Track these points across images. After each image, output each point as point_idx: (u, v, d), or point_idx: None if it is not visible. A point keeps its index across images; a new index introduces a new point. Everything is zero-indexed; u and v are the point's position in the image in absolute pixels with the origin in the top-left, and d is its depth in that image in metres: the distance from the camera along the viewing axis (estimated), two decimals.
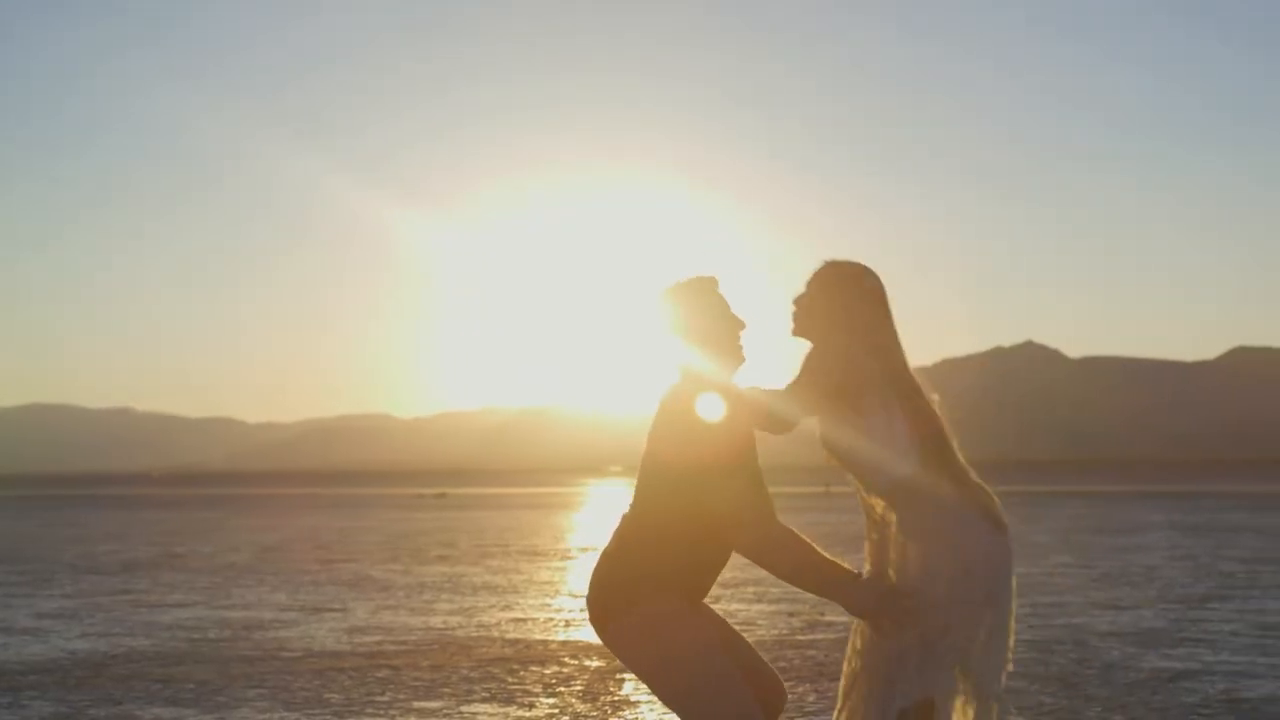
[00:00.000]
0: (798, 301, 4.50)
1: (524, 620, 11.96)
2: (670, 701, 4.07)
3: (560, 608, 13.04)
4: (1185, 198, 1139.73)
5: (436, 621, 11.91)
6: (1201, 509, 36.95)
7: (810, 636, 10.56)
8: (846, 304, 4.43)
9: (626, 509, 4.23)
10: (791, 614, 12.04)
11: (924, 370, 4.54)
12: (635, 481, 4.23)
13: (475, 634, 11.00)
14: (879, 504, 4.39)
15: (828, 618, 11.73)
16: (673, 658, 4.04)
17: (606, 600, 4.13)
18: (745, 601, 13.13)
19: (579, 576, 16.76)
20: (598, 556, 4.28)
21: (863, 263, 4.53)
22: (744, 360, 4.30)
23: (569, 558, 20.28)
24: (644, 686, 8.26)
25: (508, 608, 13.05)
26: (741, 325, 4.31)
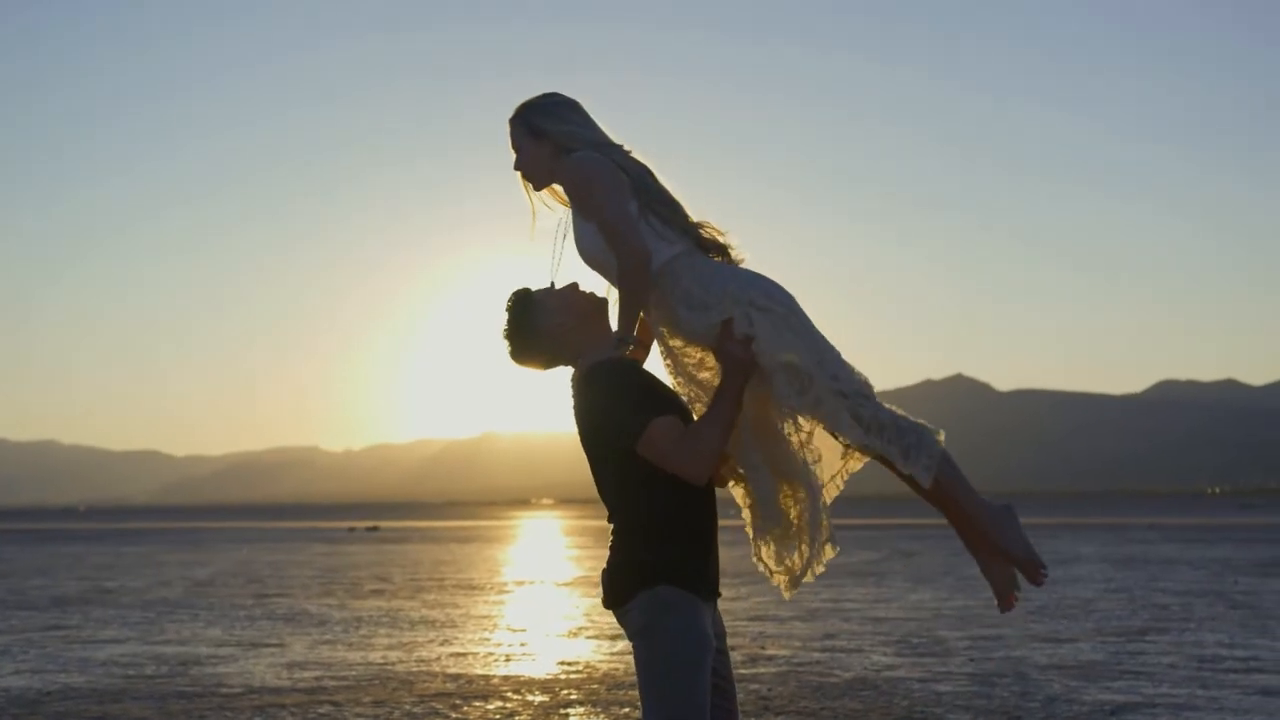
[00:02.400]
0: (518, 166, 4.39)
1: (464, 655, 11.89)
2: (642, 683, 4.08)
3: (500, 642, 12.97)
4: (1113, 234, 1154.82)
5: (376, 657, 11.82)
6: (1132, 541, 37.31)
7: (752, 670, 10.56)
8: (562, 129, 4.31)
9: (608, 509, 4.26)
10: (732, 647, 12.02)
11: None
12: (595, 482, 4.24)
13: (416, 669, 10.92)
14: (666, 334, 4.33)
15: (769, 651, 11.74)
16: (655, 643, 4.05)
17: (612, 585, 4.17)
18: None
19: (517, 611, 16.70)
20: (609, 549, 4.28)
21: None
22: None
23: (505, 591, 20.20)
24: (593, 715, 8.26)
25: (447, 642, 12.97)
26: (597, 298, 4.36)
